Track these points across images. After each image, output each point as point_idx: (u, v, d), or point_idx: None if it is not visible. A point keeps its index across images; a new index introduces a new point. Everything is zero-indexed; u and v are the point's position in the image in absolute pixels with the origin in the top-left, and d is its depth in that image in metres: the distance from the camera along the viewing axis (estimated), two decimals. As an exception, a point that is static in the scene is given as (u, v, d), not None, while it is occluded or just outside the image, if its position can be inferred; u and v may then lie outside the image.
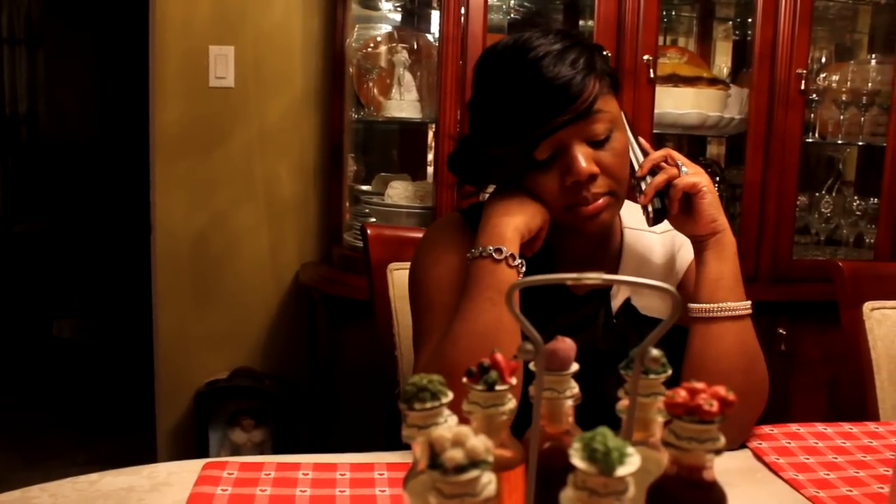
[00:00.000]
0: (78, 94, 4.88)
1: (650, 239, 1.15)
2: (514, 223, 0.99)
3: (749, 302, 1.02)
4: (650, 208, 1.03)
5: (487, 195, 1.09)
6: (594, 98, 0.98)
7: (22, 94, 4.91)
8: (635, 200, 1.08)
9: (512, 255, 0.98)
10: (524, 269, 0.99)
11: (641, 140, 1.09)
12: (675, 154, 1.06)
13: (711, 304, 1.01)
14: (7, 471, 2.72)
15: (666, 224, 1.07)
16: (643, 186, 1.04)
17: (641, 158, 1.06)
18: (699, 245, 1.04)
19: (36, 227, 4.67)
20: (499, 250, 0.97)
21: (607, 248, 1.14)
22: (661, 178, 1.03)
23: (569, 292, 1.11)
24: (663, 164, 1.05)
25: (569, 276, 0.52)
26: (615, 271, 1.12)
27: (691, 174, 1.03)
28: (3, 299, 4.52)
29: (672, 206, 1.03)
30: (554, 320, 1.07)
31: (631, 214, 1.14)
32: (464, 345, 0.95)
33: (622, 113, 1.05)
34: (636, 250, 1.14)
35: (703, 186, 1.02)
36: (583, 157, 0.98)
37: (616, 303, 1.11)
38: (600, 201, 1.00)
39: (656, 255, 1.14)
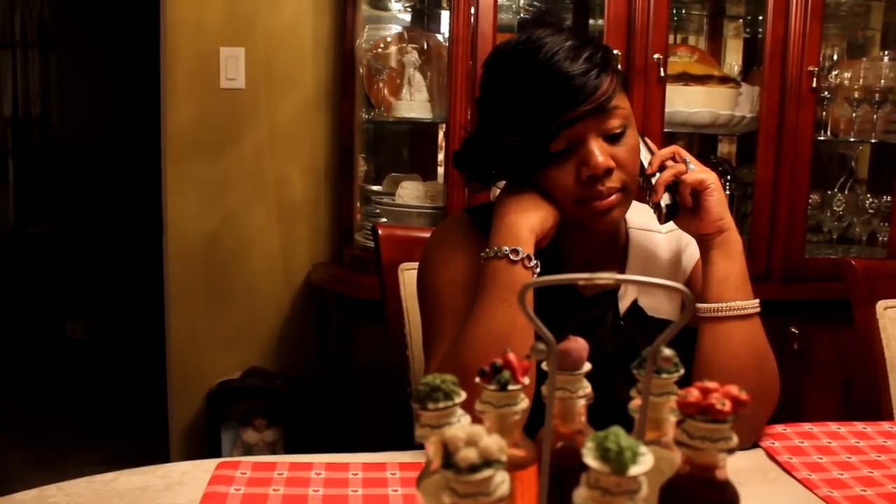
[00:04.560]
0: (90, 97, 4.91)
1: (655, 239, 1.15)
2: (529, 223, 0.99)
3: (757, 300, 1.02)
4: (662, 204, 1.03)
5: (497, 191, 1.09)
6: (612, 93, 0.98)
7: (35, 96, 4.95)
8: (644, 200, 1.08)
9: (528, 257, 0.97)
10: (539, 270, 0.99)
11: (648, 140, 1.09)
12: (683, 151, 1.06)
13: (719, 304, 1.00)
14: (22, 469, 2.75)
15: (671, 224, 1.07)
16: (652, 182, 1.04)
17: (650, 157, 1.06)
18: (705, 244, 1.04)
19: (49, 228, 4.70)
20: (515, 251, 0.97)
21: (613, 249, 1.14)
22: (668, 173, 1.03)
23: (577, 294, 1.11)
24: (670, 161, 1.05)
25: (582, 276, 0.52)
26: (622, 271, 1.12)
27: (699, 171, 1.03)
28: (18, 300, 4.55)
29: (684, 202, 1.02)
30: (562, 323, 1.06)
31: (635, 214, 1.14)
32: (478, 346, 0.95)
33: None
34: (642, 250, 1.14)
35: (710, 183, 1.02)
36: (599, 151, 0.98)
37: (624, 304, 1.10)
38: (613, 197, 1.01)
39: (662, 255, 1.14)
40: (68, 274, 4.57)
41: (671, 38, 2.23)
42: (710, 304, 1.01)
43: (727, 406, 0.52)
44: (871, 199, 2.23)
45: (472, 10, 1.95)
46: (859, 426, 1.10)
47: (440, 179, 2.23)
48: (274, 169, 2.43)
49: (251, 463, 0.93)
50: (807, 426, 1.09)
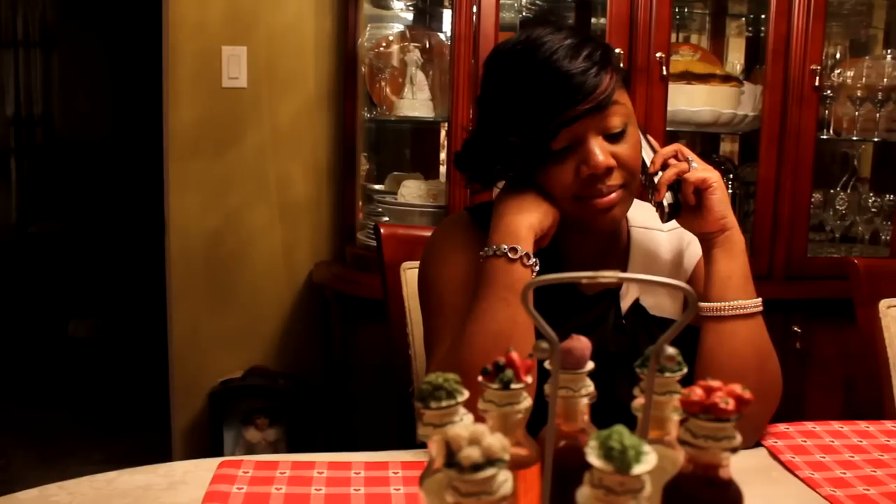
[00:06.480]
0: (92, 96, 4.91)
1: (657, 237, 1.14)
2: (528, 221, 0.99)
3: (760, 299, 1.02)
4: (664, 203, 1.03)
5: (497, 191, 1.09)
6: (611, 91, 0.98)
7: (37, 95, 4.94)
8: (646, 198, 1.08)
9: (527, 255, 0.97)
10: (538, 268, 0.98)
11: (650, 138, 1.09)
12: (685, 150, 1.06)
13: (722, 303, 1.00)
14: (24, 469, 2.75)
15: (673, 223, 1.07)
16: (655, 181, 1.03)
17: (652, 156, 1.06)
18: (707, 243, 1.03)
19: (51, 228, 4.70)
20: (514, 249, 0.97)
21: (615, 247, 1.14)
22: (671, 172, 1.02)
23: (578, 293, 1.11)
24: (673, 160, 1.04)
25: (585, 275, 0.52)
26: (624, 270, 1.12)
27: (701, 169, 1.02)
28: (20, 299, 4.55)
29: (687, 200, 1.02)
30: (564, 322, 1.06)
31: (637, 213, 1.14)
32: (479, 345, 0.95)
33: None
34: (644, 249, 1.13)
35: (713, 182, 1.01)
36: (599, 150, 0.98)
37: (626, 303, 1.10)
38: (613, 195, 1.00)
39: (664, 254, 1.14)
40: (70, 273, 4.58)
41: (673, 37, 2.23)
42: (712, 304, 1.00)
43: (731, 405, 0.52)
44: (873, 198, 2.22)
45: (475, 9, 1.94)
46: (862, 425, 1.10)
47: (442, 178, 2.22)
48: (276, 168, 2.43)
49: (253, 462, 0.93)
50: (809, 425, 1.09)
